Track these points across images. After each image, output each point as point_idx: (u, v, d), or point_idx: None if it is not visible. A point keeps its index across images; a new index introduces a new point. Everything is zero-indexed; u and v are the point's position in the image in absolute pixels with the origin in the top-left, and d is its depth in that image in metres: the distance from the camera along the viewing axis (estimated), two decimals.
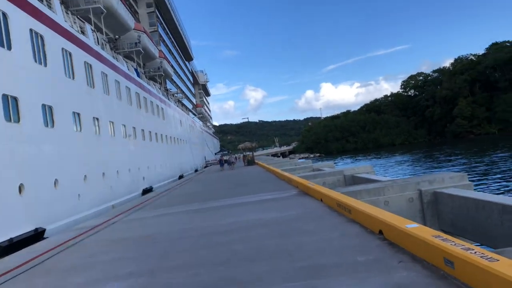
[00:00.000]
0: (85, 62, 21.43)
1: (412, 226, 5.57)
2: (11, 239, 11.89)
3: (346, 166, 59.82)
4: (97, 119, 22.02)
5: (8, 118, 13.38)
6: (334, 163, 34.16)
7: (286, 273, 5.12)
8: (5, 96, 13.32)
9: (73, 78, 19.59)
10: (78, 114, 19.38)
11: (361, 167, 22.20)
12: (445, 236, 4.90)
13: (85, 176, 18.94)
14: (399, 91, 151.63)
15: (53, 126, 16.53)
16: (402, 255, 5.20)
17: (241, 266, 5.76)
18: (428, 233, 5.06)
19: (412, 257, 5.06)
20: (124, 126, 27.28)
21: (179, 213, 12.37)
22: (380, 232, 6.49)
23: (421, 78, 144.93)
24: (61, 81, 18.00)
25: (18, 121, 13.98)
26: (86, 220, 16.47)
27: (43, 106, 15.85)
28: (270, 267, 5.49)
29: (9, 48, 14.16)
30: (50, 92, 16.59)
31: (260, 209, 10.86)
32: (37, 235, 13.32)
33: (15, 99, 13.93)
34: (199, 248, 7.32)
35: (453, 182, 12.41)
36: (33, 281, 6.55)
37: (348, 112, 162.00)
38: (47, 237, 13.52)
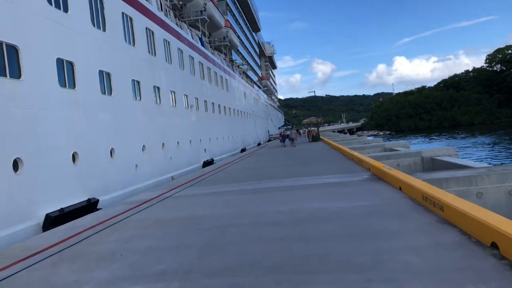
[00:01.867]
0: (146, 28, 20.70)
1: None
2: (62, 209, 11.48)
3: (422, 146, 55.27)
4: (158, 88, 21.40)
5: (63, 84, 12.86)
6: (409, 142, 31.10)
7: None
8: (60, 61, 12.76)
9: (134, 44, 18.92)
10: (138, 82, 18.77)
11: (442, 148, 19.52)
12: None
13: (144, 146, 18.45)
14: (483, 66, 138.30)
15: (110, 93, 15.98)
16: None
17: (295, 280, 4.30)
18: None
19: None
20: (186, 96, 26.63)
21: (234, 193, 11.16)
22: (494, 245, 4.66)
23: (510, 51, 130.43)
24: (120, 47, 17.36)
25: (74, 87, 13.45)
26: (143, 191, 16.00)
27: (100, 72, 15.27)
28: None
29: (66, 10, 13.53)
30: (108, 58, 15.97)
31: (325, 195, 9.26)
32: (90, 206, 12.90)
33: (71, 64, 13.38)
34: (250, 242, 5.98)
35: None
36: (53, 270, 5.62)
37: (423, 87, 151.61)
38: (99, 208, 13.10)
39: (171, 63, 24.18)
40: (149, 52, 20.74)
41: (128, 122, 17.08)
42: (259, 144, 59.76)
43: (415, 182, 8.30)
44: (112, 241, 6.98)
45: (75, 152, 12.90)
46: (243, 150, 44.84)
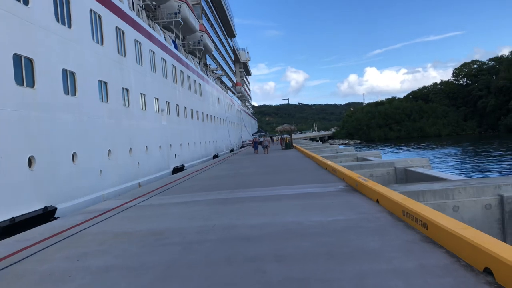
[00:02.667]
0: (116, 27, 19.80)
1: None
2: (13, 218, 10.48)
3: (393, 156, 55.99)
4: (127, 90, 20.48)
5: (20, 82, 11.88)
6: (380, 152, 31.24)
7: None
8: (17, 56, 11.79)
9: (102, 43, 18.00)
10: (105, 83, 17.84)
11: (415, 159, 19.49)
12: None
13: (109, 150, 17.49)
14: (450, 79, 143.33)
15: (74, 94, 15.02)
16: None
17: None
18: None
19: None
20: (157, 99, 25.74)
21: (203, 203, 10.50)
22: (487, 270, 4.24)
23: (475, 66, 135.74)
24: (87, 45, 16.42)
25: (33, 85, 12.48)
26: (107, 199, 15.09)
27: (64, 71, 14.31)
28: None
29: (26, 3, 12.58)
30: (72, 56, 15.02)
31: (299, 207, 8.75)
32: (46, 215, 11.92)
33: (30, 60, 12.41)
34: (218, 262, 5.35)
35: None
36: None
37: (393, 98, 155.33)
38: (57, 217, 12.13)
39: (142, 64, 23.29)
40: (118, 53, 19.83)
41: (93, 125, 16.12)
42: (232, 150, 59.10)
43: (394, 195, 7.91)
44: (63, 258, 6.20)
45: (31, 156, 11.91)
46: (215, 156, 44.07)
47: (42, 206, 11.98)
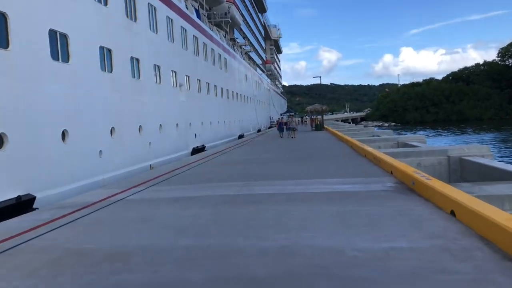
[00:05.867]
0: None
1: None
2: None
3: (438, 141, 51.32)
4: (137, 60, 18.08)
5: None
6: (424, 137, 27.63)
7: None
8: None
9: (106, 3, 15.55)
10: (109, 50, 15.47)
11: (473, 146, 16.29)
12: None
13: (113, 128, 15.25)
14: (494, 60, 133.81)
15: (67, 60, 12.71)
16: None
17: None
18: None
19: None
20: (175, 73, 23.30)
21: (207, 201, 8.00)
22: None
23: None
24: (84, 3, 14.00)
25: (7, 47, 10.18)
26: (108, 183, 12.93)
27: (52, 32, 11.97)
28: None
29: None
30: (64, 16, 12.65)
31: (336, 220, 6.06)
32: (21, 205, 9.77)
33: (3, 16, 10.08)
34: None
35: None
36: None
37: (431, 79, 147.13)
38: (36, 208, 9.98)
39: (156, 32, 20.80)
40: (127, 16, 17.35)
41: (90, 98, 13.84)
42: (259, 131, 56.55)
43: (483, 208, 5.11)
44: None
45: (2, 133, 9.71)
46: (240, 137, 41.63)
47: (16, 195, 9.83)
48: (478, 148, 15.89)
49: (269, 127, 67.80)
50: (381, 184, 8.62)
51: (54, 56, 11.99)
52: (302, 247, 4.81)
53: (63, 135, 12.16)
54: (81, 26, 13.49)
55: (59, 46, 12.25)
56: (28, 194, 10.22)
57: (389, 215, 6.10)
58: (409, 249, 4.54)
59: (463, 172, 15.10)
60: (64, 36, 12.56)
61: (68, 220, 6.97)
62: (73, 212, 7.63)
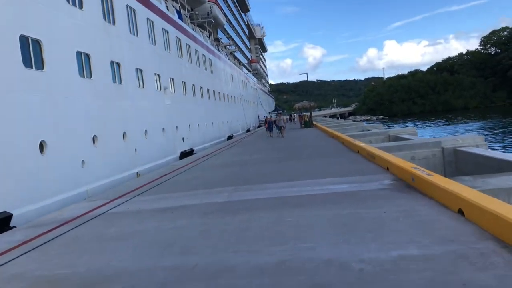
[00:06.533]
0: None
1: None
2: None
3: (429, 132, 51.12)
4: (118, 64, 17.40)
5: None
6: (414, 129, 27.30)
7: None
8: None
9: (81, 7, 14.87)
10: (87, 55, 14.79)
11: (467, 137, 15.95)
12: None
13: (95, 136, 14.58)
14: (477, 49, 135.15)
15: (42, 68, 12.03)
16: None
17: None
18: None
19: None
20: (158, 76, 22.63)
21: (195, 210, 7.46)
22: None
23: (505, 33, 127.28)
24: (58, 7, 13.31)
25: None
26: (92, 194, 12.30)
27: (24, 38, 11.27)
28: None
29: None
30: (38, 20, 11.96)
31: (336, 224, 5.58)
32: None
33: None
34: None
35: None
36: None
37: (416, 71, 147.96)
38: (13, 227, 9.32)
39: (137, 35, 20.12)
40: (105, 19, 16.67)
41: (69, 106, 13.14)
42: (248, 131, 56.01)
43: (495, 206, 4.67)
44: None
45: None
46: (230, 137, 41.03)
47: None
48: (472, 138, 15.57)
49: (258, 126, 67.33)
50: (379, 182, 8.17)
51: (27, 63, 11.29)
52: (302, 261, 4.30)
53: (41, 146, 11.47)
54: (55, 31, 12.80)
55: (31, 52, 11.56)
56: (4, 212, 9.55)
57: (392, 217, 5.64)
58: (421, 257, 4.07)
59: (458, 163, 14.77)
60: (37, 42, 11.87)
61: (43, 241, 6.38)
62: (49, 231, 7.03)
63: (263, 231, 5.60)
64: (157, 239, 5.81)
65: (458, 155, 14.76)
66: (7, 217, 9.50)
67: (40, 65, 11.95)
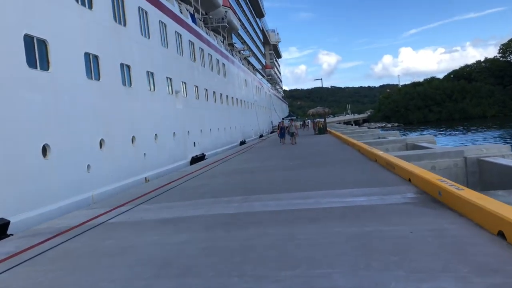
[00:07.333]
0: None
1: None
2: None
3: (447, 141, 49.78)
4: (128, 66, 17.02)
5: None
6: (433, 137, 26.33)
7: None
8: None
9: (91, 7, 14.52)
10: (96, 57, 14.41)
11: (491, 146, 15.11)
12: None
13: (102, 140, 14.15)
14: (495, 56, 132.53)
15: (47, 68, 11.65)
16: None
17: None
18: None
19: None
20: (170, 79, 22.24)
21: (200, 223, 6.87)
22: None
23: None
24: (66, 7, 12.97)
25: None
26: (98, 200, 11.87)
27: (28, 38, 10.91)
28: None
29: None
30: (43, 19, 11.60)
31: (355, 245, 4.90)
32: None
33: None
34: None
35: None
36: None
37: (432, 78, 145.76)
38: (10, 234, 8.86)
39: (148, 37, 19.76)
40: (115, 20, 16.33)
41: (75, 108, 12.75)
42: (261, 136, 55.44)
43: None
44: None
45: None
46: (242, 143, 40.51)
47: None
48: (497, 148, 14.70)
49: (271, 132, 66.70)
50: (401, 195, 7.46)
51: (31, 63, 10.92)
52: None
53: (44, 149, 11.05)
54: (62, 31, 12.44)
55: (36, 52, 11.18)
56: (1, 218, 9.10)
57: (420, 238, 4.94)
58: None
59: (482, 174, 13.92)
60: (42, 42, 11.50)
61: (33, 254, 5.85)
62: (43, 242, 6.51)
63: (271, 251, 4.96)
64: (155, 256, 5.23)
65: (482, 165, 13.91)
66: (4, 224, 9.05)
67: (45, 66, 11.57)
